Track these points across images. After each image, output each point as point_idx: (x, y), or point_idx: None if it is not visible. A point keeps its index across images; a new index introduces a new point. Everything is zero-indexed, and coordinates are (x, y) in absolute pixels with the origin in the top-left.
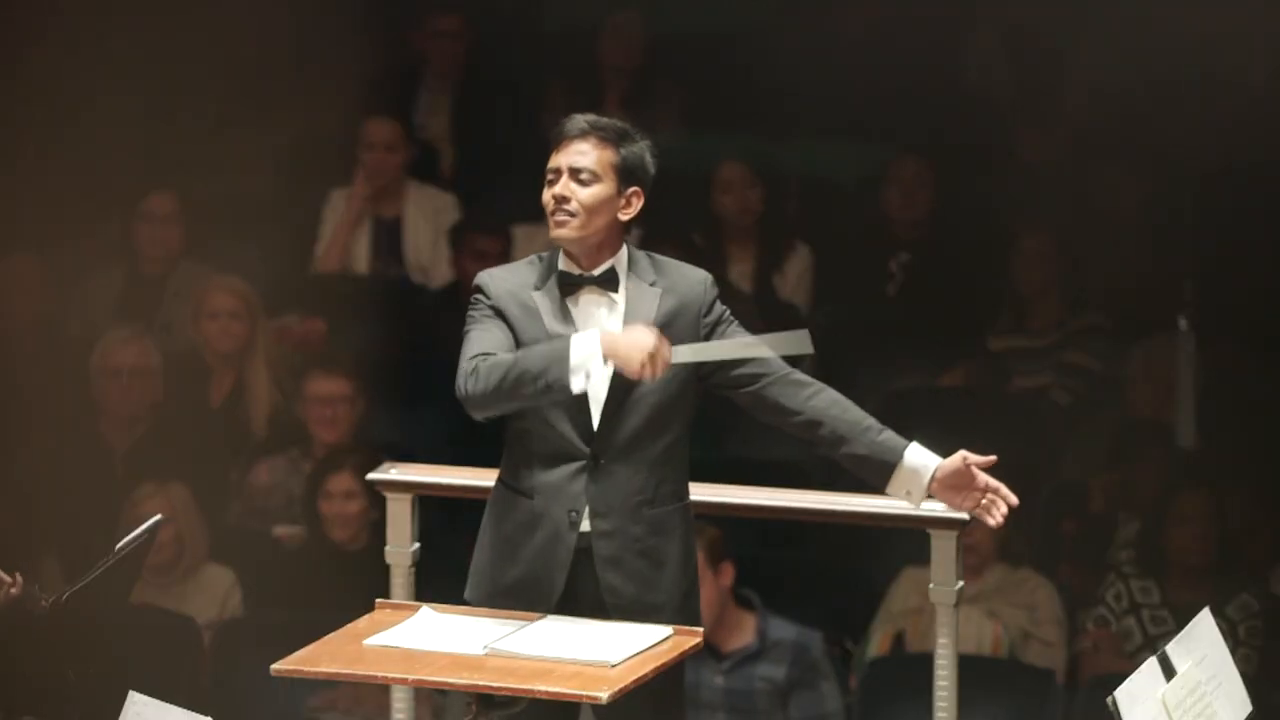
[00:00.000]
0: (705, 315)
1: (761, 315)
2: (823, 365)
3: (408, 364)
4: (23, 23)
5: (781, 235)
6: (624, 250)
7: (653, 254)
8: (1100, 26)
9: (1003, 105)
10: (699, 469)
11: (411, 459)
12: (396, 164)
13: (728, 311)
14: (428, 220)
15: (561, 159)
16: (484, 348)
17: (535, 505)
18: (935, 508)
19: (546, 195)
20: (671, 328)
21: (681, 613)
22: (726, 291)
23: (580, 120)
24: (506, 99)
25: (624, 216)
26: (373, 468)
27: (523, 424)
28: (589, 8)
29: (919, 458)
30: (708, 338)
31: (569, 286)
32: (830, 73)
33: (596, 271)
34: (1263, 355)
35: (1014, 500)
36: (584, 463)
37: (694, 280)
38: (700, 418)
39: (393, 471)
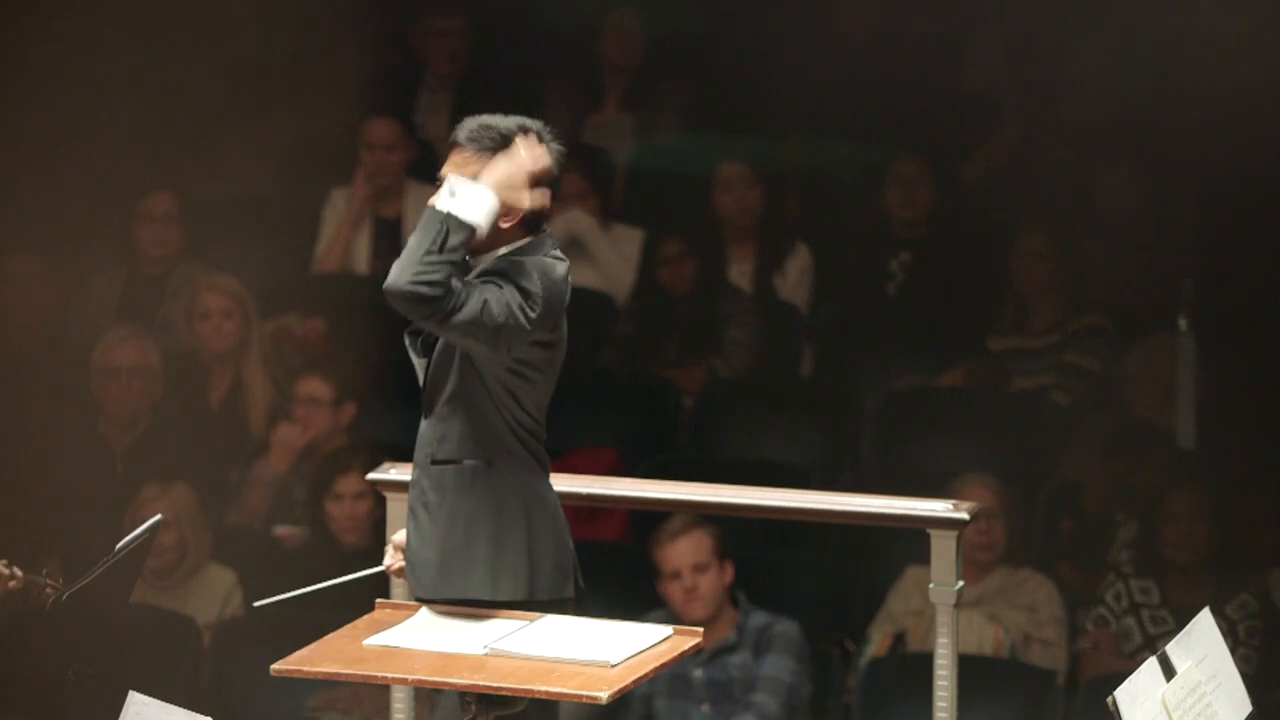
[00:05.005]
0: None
1: (761, 315)
2: (823, 365)
3: (408, 364)
4: (23, 23)
5: (781, 235)
6: (501, 250)
7: (524, 256)
8: (1100, 27)
9: (1003, 105)
10: (698, 469)
11: (411, 459)
12: (397, 164)
13: (488, 275)
14: None
15: (444, 167)
16: None
17: None
18: (935, 507)
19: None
20: None
21: (438, 578)
22: (725, 291)
23: (465, 128)
24: (506, 99)
25: (504, 224)
26: (373, 468)
27: None
28: (589, 7)
29: None
30: None
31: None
32: (830, 73)
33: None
34: (1263, 355)
35: None
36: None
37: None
38: (700, 417)
39: (393, 471)
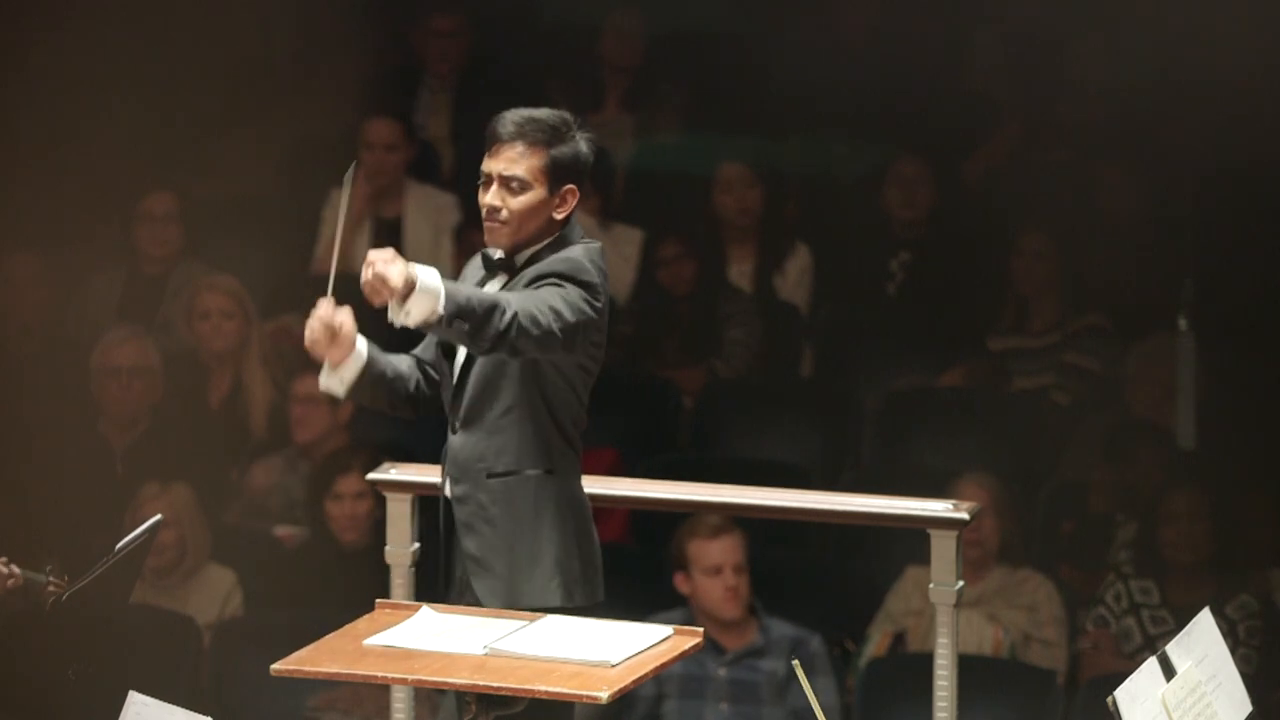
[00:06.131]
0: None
1: (761, 315)
2: (823, 365)
3: None
4: (23, 23)
5: (781, 235)
6: (543, 242)
7: (569, 250)
8: (1100, 27)
9: (1003, 105)
10: (699, 469)
11: (411, 459)
12: (396, 164)
13: (549, 280)
14: (428, 220)
15: (492, 165)
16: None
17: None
18: (935, 507)
19: (480, 199)
20: None
21: (522, 590)
22: (725, 291)
23: (510, 123)
24: (506, 99)
25: (559, 215)
26: (373, 468)
27: None
28: (590, 7)
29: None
30: None
31: (490, 269)
32: (831, 73)
33: (499, 257)
34: (1263, 355)
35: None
36: (451, 428)
37: (548, 259)
38: (700, 417)
39: (393, 471)
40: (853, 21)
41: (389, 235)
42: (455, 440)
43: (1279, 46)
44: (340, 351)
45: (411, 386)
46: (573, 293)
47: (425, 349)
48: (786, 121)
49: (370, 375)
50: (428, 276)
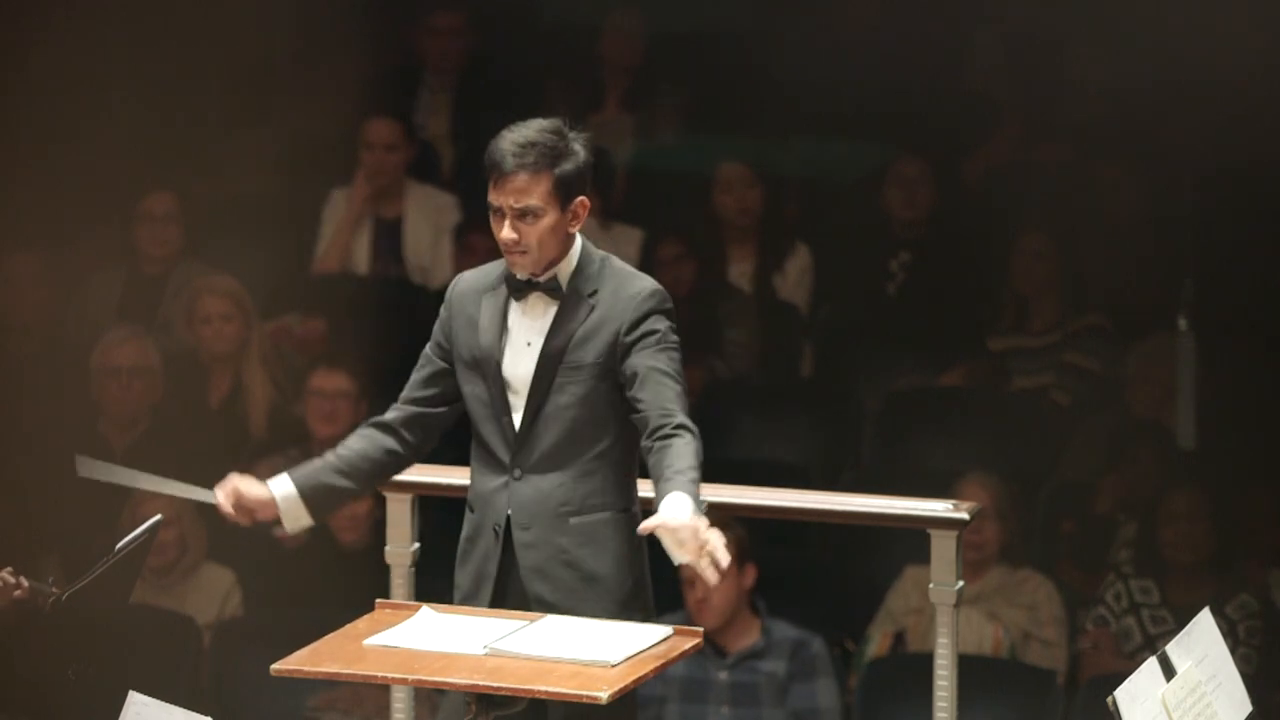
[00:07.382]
0: (626, 334)
1: (761, 315)
2: (823, 365)
3: (408, 364)
4: (23, 23)
5: (781, 235)
6: (574, 252)
7: (610, 259)
8: (1100, 27)
9: (1003, 105)
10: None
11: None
12: (397, 164)
13: (658, 334)
14: (428, 220)
15: (502, 199)
16: (405, 392)
17: (475, 517)
18: (935, 507)
19: (496, 233)
20: (591, 341)
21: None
22: (725, 291)
23: (508, 155)
24: (506, 99)
25: (574, 229)
26: None
27: (473, 433)
28: (589, 7)
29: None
30: (624, 358)
31: (518, 291)
32: (830, 73)
33: (543, 278)
34: (1263, 355)
35: (725, 561)
36: (507, 475)
37: (629, 294)
38: (700, 418)
39: None
40: (853, 21)
41: (389, 235)
42: (523, 486)
43: (1279, 46)
44: (262, 512)
45: (384, 454)
46: (668, 334)
47: (415, 387)
48: (786, 121)
49: (319, 492)
50: (699, 508)
